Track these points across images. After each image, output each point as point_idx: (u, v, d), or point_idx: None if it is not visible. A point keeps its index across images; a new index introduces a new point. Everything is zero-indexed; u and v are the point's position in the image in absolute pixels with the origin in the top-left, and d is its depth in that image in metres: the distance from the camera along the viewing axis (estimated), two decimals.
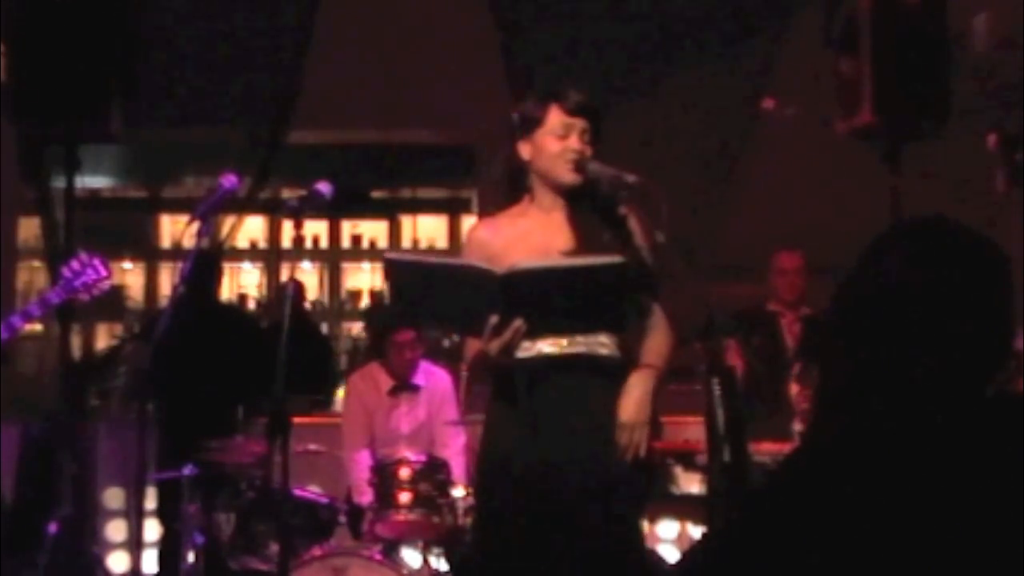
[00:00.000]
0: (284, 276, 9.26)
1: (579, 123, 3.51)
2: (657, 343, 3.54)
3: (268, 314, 8.82)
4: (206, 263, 6.16)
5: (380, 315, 8.48)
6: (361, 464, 5.61)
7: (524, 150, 3.56)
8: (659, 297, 3.52)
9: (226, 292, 8.86)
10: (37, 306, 4.61)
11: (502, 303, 3.28)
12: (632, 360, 3.53)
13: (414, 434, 5.78)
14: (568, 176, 3.51)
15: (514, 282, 3.28)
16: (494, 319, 3.28)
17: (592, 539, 3.41)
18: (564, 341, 3.46)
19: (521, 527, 3.44)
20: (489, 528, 3.64)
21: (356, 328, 10.07)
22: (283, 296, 4.18)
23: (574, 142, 3.50)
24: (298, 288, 9.11)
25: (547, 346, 3.46)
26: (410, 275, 3.50)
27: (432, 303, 3.43)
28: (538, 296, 3.30)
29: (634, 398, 3.44)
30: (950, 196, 5.92)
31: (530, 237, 3.52)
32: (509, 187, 3.63)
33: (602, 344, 3.48)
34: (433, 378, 5.94)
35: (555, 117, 3.52)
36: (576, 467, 3.42)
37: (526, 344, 3.42)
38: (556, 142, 3.51)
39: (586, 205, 3.55)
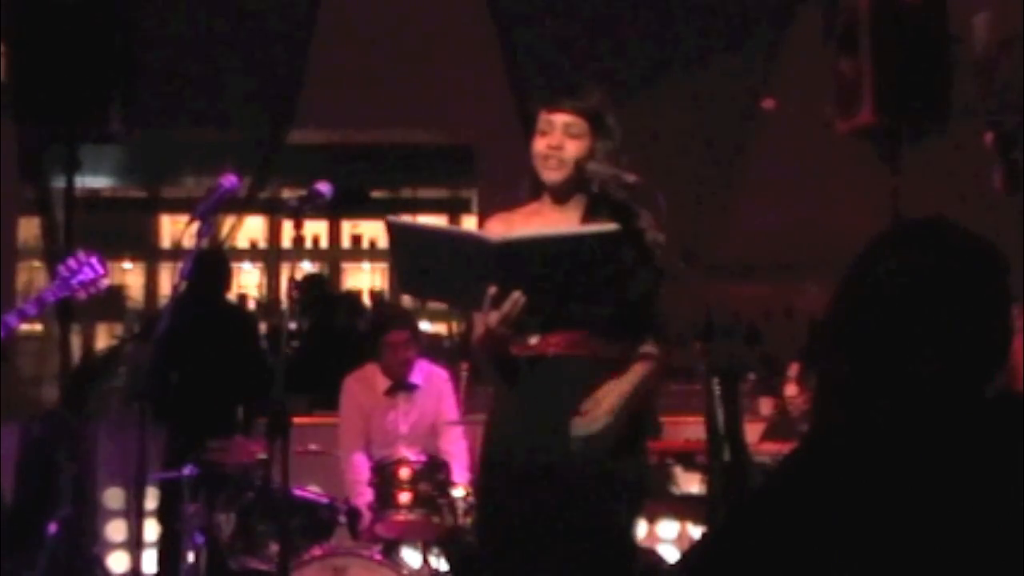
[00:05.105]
0: (284, 276, 9.26)
1: (559, 118, 3.49)
2: (640, 366, 3.53)
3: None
4: (212, 262, 6.15)
5: (378, 314, 8.45)
6: (356, 466, 5.59)
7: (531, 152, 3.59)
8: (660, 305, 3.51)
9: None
10: (33, 305, 4.58)
11: (499, 273, 3.27)
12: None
13: (412, 434, 5.75)
14: (547, 175, 3.51)
15: (509, 251, 3.28)
16: (492, 290, 3.28)
17: (587, 536, 3.42)
18: (568, 340, 3.46)
19: (521, 521, 3.45)
20: (490, 521, 3.64)
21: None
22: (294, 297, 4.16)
23: (553, 138, 3.50)
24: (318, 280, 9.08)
25: (547, 341, 3.46)
26: (410, 240, 3.49)
27: (432, 270, 3.40)
28: (534, 266, 3.29)
29: (615, 390, 3.43)
30: (950, 196, 5.91)
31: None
32: (531, 188, 3.63)
33: (610, 345, 3.48)
34: (432, 377, 5.91)
35: (541, 115, 3.54)
36: (569, 459, 3.43)
37: (530, 338, 3.43)
38: (539, 140, 3.52)
39: (593, 201, 3.55)
